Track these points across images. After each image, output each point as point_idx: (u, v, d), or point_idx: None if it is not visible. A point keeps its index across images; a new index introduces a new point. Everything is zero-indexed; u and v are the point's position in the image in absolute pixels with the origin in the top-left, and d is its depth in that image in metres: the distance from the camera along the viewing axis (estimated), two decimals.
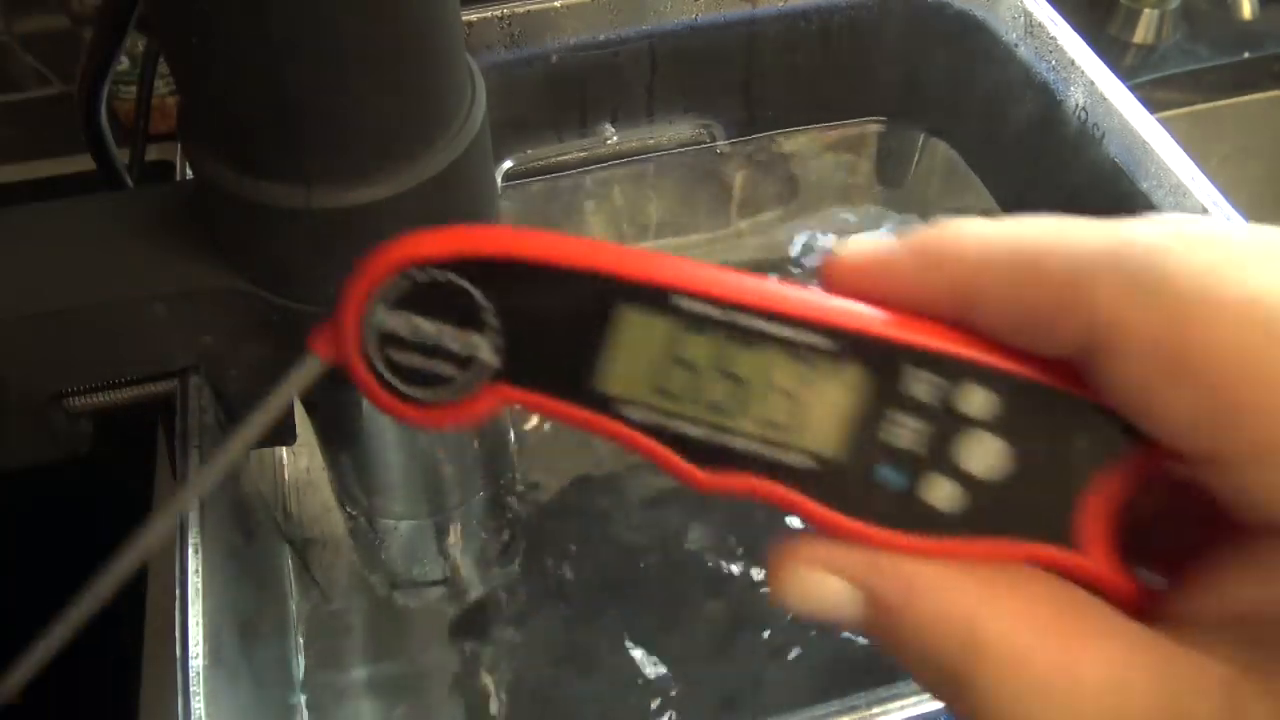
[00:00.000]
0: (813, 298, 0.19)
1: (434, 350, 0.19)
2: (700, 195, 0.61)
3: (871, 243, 0.19)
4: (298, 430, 0.41)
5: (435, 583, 0.49)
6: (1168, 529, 0.20)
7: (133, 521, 0.56)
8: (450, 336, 0.19)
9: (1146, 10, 0.71)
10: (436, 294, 0.19)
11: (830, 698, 0.33)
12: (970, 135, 0.58)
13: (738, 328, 0.18)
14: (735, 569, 0.48)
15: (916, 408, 0.18)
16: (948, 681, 0.18)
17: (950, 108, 0.58)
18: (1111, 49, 0.71)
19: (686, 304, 0.18)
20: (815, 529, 0.19)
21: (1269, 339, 0.16)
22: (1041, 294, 0.17)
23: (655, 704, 0.45)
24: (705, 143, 0.60)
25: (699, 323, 0.19)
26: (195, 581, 0.33)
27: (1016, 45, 0.52)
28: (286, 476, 0.51)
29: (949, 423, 0.18)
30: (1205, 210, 0.42)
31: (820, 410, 0.19)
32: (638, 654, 0.46)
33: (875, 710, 0.32)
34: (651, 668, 0.46)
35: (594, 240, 0.19)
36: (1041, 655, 0.17)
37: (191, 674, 0.32)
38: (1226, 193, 0.42)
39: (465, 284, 0.19)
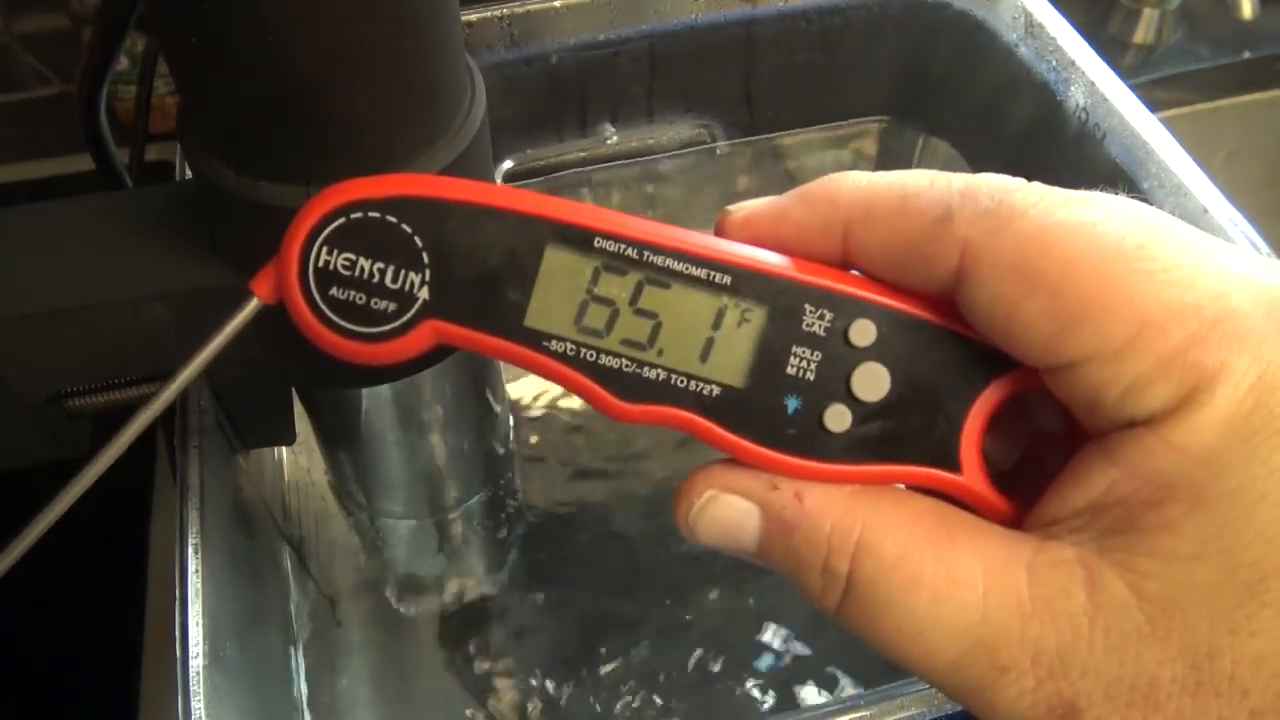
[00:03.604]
0: (721, 243, 0.21)
1: (372, 287, 0.20)
2: (700, 195, 0.61)
3: (762, 199, 0.22)
4: (298, 430, 0.41)
5: (435, 582, 0.49)
6: (1032, 464, 0.23)
7: (132, 522, 0.55)
8: (387, 274, 0.20)
9: (1146, 10, 0.71)
10: (374, 234, 0.20)
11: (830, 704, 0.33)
12: (970, 135, 0.58)
13: (653, 268, 0.20)
14: (736, 567, 0.48)
15: (813, 342, 0.21)
16: (837, 586, 0.20)
17: (950, 108, 0.58)
18: (1111, 49, 0.71)
19: (608, 245, 0.20)
20: (727, 455, 0.21)
21: (1111, 250, 0.18)
22: (912, 228, 0.20)
23: (657, 703, 0.45)
24: (705, 143, 0.60)
25: (619, 263, 0.20)
26: (195, 581, 0.33)
27: (1016, 45, 0.52)
28: (286, 476, 0.51)
29: (843, 355, 0.21)
30: (1206, 210, 0.42)
31: (727, 345, 0.21)
32: (638, 653, 0.46)
33: (875, 710, 0.32)
34: (653, 668, 0.46)
35: (521, 189, 0.21)
36: (925, 554, 0.19)
37: (191, 674, 0.32)
38: (1227, 192, 0.42)
39: (401, 225, 0.20)
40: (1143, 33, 0.72)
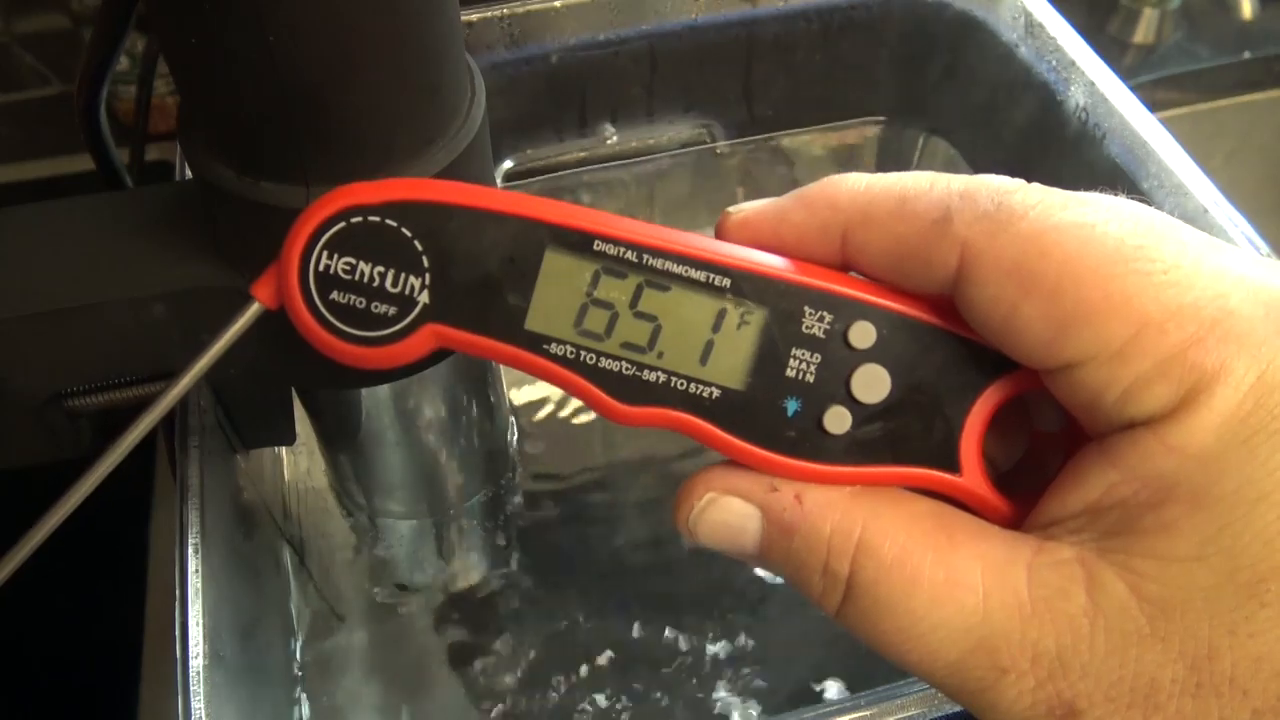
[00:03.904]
0: (720, 245, 0.21)
1: (372, 291, 0.21)
2: (700, 195, 0.61)
3: (761, 200, 0.22)
4: (298, 430, 0.41)
5: (435, 583, 0.49)
6: (1034, 464, 0.23)
7: (132, 522, 0.55)
8: (387, 278, 0.20)
9: (1147, 10, 0.72)
10: (374, 238, 0.20)
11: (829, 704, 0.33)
12: (970, 135, 0.58)
13: (653, 270, 0.20)
14: (736, 569, 0.48)
15: (813, 344, 0.21)
16: (837, 588, 0.20)
17: (950, 108, 0.58)
18: (1111, 49, 0.71)
19: (607, 248, 0.20)
20: (726, 457, 0.21)
21: (1109, 251, 0.18)
22: (911, 230, 0.20)
23: (655, 705, 0.45)
24: (705, 143, 0.60)
25: (618, 265, 0.20)
26: (195, 581, 0.33)
27: (1016, 45, 0.52)
28: (286, 477, 0.51)
29: (843, 357, 0.21)
30: (1206, 210, 0.42)
31: (727, 347, 0.21)
32: (638, 654, 0.46)
33: (875, 710, 0.32)
34: (654, 668, 0.46)
35: (520, 193, 0.21)
36: (925, 556, 0.19)
37: (191, 674, 0.32)
38: (1227, 192, 0.42)
39: (401, 229, 0.20)
40: (1143, 33, 0.72)
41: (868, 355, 0.20)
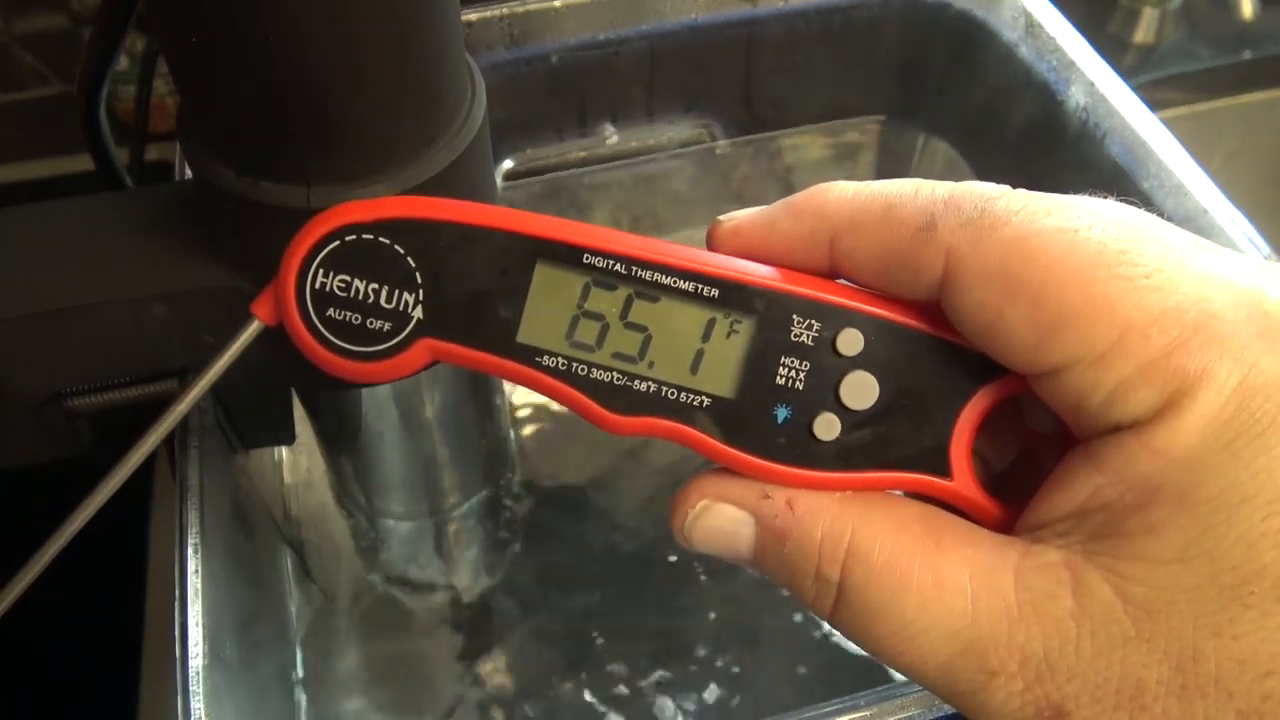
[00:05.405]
0: (708, 256, 0.21)
1: (367, 308, 0.21)
2: (700, 195, 0.61)
3: (751, 209, 0.22)
4: (298, 431, 0.41)
5: (434, 583, 0.49)
6: (1028, 463, 0.23)
7: (132, 522, 0.55)
8: (382, 294, 0.21)
9: (1147, 10, 0.72)
10: (369, 255, 0.21)
11: (829, 696, 0.33)
12: (970, 135, 0.58)
13: (642, 282, 0.21)
14: (736, 570, 0.48)
15: (802, 352, 0.21)
16: (829, 592, 0.20)
17: (950, 108, 0.58)
18: (1112, 49, 0.71)
19: (597, 261, 0.21)
20: (718, 465, 0.21)
21: (1092, 256, 0.18)
22: (897, 237, 0.20)
23: (656, 704, 0.45)
24: (705, 143, 0.60)
25: (608, 278, 0.21)
26: (195, 581, 0.33)
27: (1016, 45, 0.52)
28: (286, 477, 0.51)
29: (831, 365, 0.21)
30: (1206, 210, 0.42)
31: (717, 356, 0.21)
32: (637, 653, 0.46)
33: (875, 710, 0.32)
34: (652, 668, 0.46)
35: (510, 208, 0.21)
36: (913, 560, 0.20)
37: (191, 674, 0.32)
38: (1227, 192, 0.42)
39: (395, 246, 0.21)
40: (1143, 33, 0.72)
41: (856, 362, 0.21)
